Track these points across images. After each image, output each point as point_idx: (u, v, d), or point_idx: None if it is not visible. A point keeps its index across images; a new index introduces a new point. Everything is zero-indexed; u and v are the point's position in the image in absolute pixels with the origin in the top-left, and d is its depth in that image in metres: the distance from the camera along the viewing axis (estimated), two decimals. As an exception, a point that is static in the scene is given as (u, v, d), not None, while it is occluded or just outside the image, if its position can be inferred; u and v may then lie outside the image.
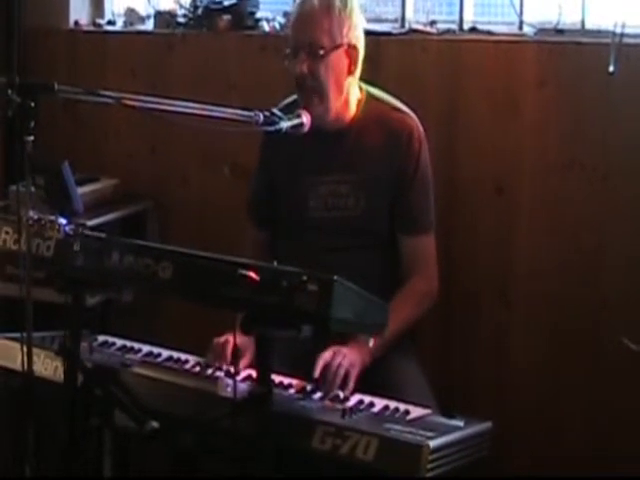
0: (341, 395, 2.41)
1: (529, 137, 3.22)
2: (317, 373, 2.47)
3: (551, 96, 3.17)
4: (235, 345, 2.38)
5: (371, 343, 2.55)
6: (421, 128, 2.82)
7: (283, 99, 2.84)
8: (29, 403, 2.25)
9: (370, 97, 2.82)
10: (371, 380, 2.55)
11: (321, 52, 2.67)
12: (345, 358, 2.52)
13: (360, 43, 2.75)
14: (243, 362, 2.53)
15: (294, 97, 2.80)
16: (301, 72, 2.68)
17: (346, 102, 2.76)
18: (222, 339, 2.58)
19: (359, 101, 2.80)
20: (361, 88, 2.82)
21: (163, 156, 3.71)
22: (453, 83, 3.29)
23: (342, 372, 2.49)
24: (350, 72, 2.74)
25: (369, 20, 3.33)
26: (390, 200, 2.79)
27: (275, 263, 2.17)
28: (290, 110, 2.57)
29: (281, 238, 2.91)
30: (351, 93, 2.77)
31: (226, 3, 3.64)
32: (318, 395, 2.42)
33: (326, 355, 2.52)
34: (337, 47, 2.69)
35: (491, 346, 3.32)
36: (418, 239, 2.82)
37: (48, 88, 2.24)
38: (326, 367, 2.49)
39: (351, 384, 2.50)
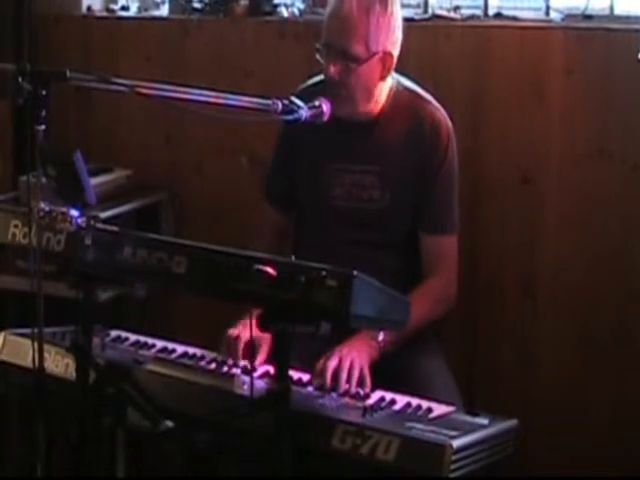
0: (361, 392, 2.37)
1: (556, 126, 3.17)
2: (328, 382, 2.39)
3: (579, 84, 3.13)
4: (251, 341, 2.33)
5: (380, 337, 2.50)
6: (450, 124, 2.76)
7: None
8: (40, 401, 2.21)
9: (401, 87, 2.76)
10: (397, 377, 2.49)
11: (353, 65, 2.60)
12: (355, 360, 2.45)
13: (396, 48, 2.67)
14: (260, 358, 2.48)
15: (317, 79, 2.77)
16: (331, 76, 2.63)
17: (376, 101, 2.71)
18: (236, 332, 2.53)
19: (389, 92, 2.73)
20: (392, 78, 2.74)
21: (178, 145, 3.67)
22: (478, 71, 3.24)
23: (357, 373, 2.43)
24: (382, 78, 2.67)
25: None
26: (414, 196, 2.73)
27: (293, 256, 2.13)
28: (313, 93, 2.53)
29: (302, 223, 2.87)
30: (382, 93, 2.71)
31: (243, -12, 3.61)
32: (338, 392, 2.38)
33: (332, 363, 2.44)
34: (371, 56, 2.61)
35: (516, 341, 3.27)
36: (439, 239, 2.76)
37: (60, 76, 2.19)
38: (337, 373, 2.42)
39: (368, 382, 2.44)
